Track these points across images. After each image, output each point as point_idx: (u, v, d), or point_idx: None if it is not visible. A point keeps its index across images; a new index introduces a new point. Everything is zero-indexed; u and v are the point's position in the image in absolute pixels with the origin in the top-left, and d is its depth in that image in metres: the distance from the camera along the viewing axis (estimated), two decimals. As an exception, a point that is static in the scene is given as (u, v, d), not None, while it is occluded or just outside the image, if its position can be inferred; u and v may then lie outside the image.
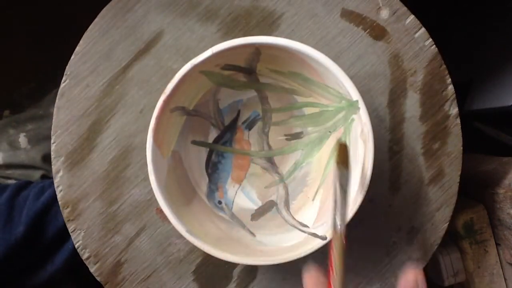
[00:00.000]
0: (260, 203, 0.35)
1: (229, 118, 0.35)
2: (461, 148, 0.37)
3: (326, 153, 0.34)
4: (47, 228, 0.43)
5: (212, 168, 0.35)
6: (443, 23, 0.73)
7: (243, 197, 0.35)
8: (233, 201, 0.35)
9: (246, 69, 0.33)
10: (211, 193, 0.35)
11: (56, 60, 0.39)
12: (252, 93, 0.35)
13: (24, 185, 0.46)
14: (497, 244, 0.48)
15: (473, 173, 0.51)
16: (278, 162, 0.36)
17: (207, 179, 0.35)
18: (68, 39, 0.37)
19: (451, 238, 0.50)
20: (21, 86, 0.58)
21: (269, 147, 0.36)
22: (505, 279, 0.48)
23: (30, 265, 0.43)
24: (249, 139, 0.36)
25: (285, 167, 0.36)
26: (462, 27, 0.72)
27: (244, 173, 0.36)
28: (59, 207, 0.36)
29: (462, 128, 0.37)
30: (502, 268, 0.49)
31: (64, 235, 0.41)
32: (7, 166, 0.50)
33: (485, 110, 0.60)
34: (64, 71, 0.36)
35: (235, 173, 0.36)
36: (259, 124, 0.36)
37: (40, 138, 0.52)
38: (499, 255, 0.49)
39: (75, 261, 0.37)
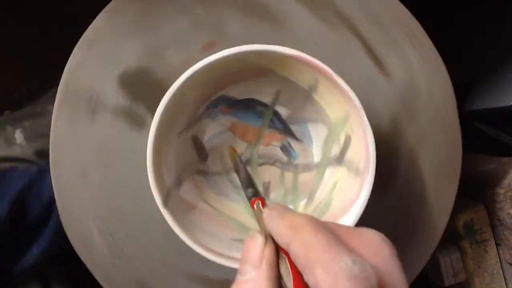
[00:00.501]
0: (204, 148, 0.36)
1: (297, 130, 0.36)
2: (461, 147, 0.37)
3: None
4: (30, 205, 0.42)
5: (247, 103, 0.35)
6: (443, 23, 0.73)
7: (214, 137, 0.36)
8: (213, 119, 0.35)
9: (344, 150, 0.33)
10: (224, 99, 0.34)
11: (56, 60, 0.39)
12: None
13: (9, 169, 0.46)
14: (497, 244, 0.48)
15: (473, 173, 0.51)
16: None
17: (239, 98, 0.35)
18: (68, 39, 0.37)
19: (451, 238, 0.50)
20: (21, 86, 0.58)
21: (258, 165, 0.36)
22: (505, 279, 0.48)
23: (16, 247, 0.43)
24: (272, 144, 0.36)
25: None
26: (462, 27, 0.72)
27: (237, 135, 0.36)
28: (42, 183, 0.35)
29: (462, 128, 0.37)
30: (502, 268, 0.49)
31: (48, 213, 0.41)
32: (2, 159, 0.50)
33: (485, 110, 0.60)
34: (63, 71, 0.36)
35: (240, 128, 0.36)
36: (287, 159, 0.36)
37: (36, 135, 0.52)
38: (499, 255, 0.49)
39: (60, 240, 0.37)
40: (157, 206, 0.28)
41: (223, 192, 0.36)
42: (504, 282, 0.48)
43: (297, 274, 0.18)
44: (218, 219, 0.33)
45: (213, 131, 0.35)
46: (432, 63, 0.37)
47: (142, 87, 0.36)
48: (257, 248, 0.19)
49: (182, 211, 0.31)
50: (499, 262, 0.49)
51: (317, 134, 0.35)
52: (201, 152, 0.35)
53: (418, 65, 0.37)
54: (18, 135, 0.51)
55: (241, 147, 0.36)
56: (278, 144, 0.36)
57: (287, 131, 0.36)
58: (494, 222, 0.48)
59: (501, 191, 0.45)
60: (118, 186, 0.36)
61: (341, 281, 0.15)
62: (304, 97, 0.33)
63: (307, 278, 0.17)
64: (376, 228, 0.19)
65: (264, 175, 0.36)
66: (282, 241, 0.19)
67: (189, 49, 0.36)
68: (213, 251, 0.29)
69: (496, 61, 0.60)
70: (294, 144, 0.36)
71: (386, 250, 0.17)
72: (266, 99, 0.35)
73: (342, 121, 0.32)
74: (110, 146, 0.36)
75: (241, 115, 0.35)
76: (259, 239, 0.20)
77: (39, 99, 0.55)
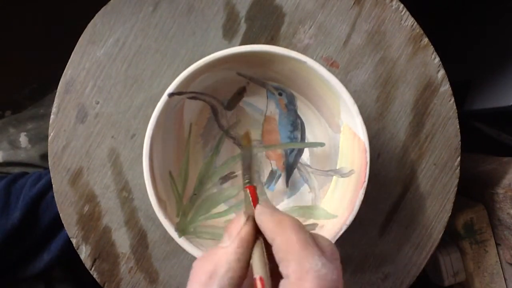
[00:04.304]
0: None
1: (294, 178, 0.36)
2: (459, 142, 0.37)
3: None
4: (43, 214, 0.42)
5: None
6: (443, 24, 0.73)
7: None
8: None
9: None
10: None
11: (57, 60, 0.39)
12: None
13: (21, 174, 0.46)
14: (497, 244, 0.48)
15: (473, 173, 0.51)
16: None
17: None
18: (68, 39, 0.37)
19: (451, 238, 0.50)
20: (22, 87, 0.58)
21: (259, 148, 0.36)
22: (505, 279, 0.48)
23: (26, 253, 0.43)
24: (270, 160, 0.36)
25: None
26: (462, 27, 0.72)
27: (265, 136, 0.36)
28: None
29: (462, 128, 0.37)
30: (502, 268, 0.49)
31: (60, 222, 0.41)
32: (7, 163, 0.50)
33: (485, 110, 0.60)
34: (63, 72, 0.36)
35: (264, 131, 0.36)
36: (264, 182, 0.36)
37: (40, 137, 0.52)
38: (499, 255, 0.49)
39: (70, 250, 0.37)
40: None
41: None
42: (504, 282, 0.48)
43: (268, 261, 0.21)
44: None
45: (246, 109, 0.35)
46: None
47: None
48: (238, 225, 0.22)
49: None
50: (499, 262, 0.49)
51: (301, 199, 0.35)
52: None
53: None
54: (23, 139, 0.51)
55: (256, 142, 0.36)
56: (273, 165, 0.36)
57: (289, 169, 0.35)
58: (494, 222, 0.48)
59: (501, 191, 0.45)
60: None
61: (308, 277, 0.18)
62: (329, 178, 0.33)
63: (282, 268, 0.19)
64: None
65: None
66: (269, 234, 0.21)
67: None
68: None
69: (496, 61, 0.60)
70: (280, 181, 0.36)
71: (337, 255, 0.21)
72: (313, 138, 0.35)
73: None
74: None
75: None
76: (242, 219, 0.22)
77: (41, 100, 0.55)
